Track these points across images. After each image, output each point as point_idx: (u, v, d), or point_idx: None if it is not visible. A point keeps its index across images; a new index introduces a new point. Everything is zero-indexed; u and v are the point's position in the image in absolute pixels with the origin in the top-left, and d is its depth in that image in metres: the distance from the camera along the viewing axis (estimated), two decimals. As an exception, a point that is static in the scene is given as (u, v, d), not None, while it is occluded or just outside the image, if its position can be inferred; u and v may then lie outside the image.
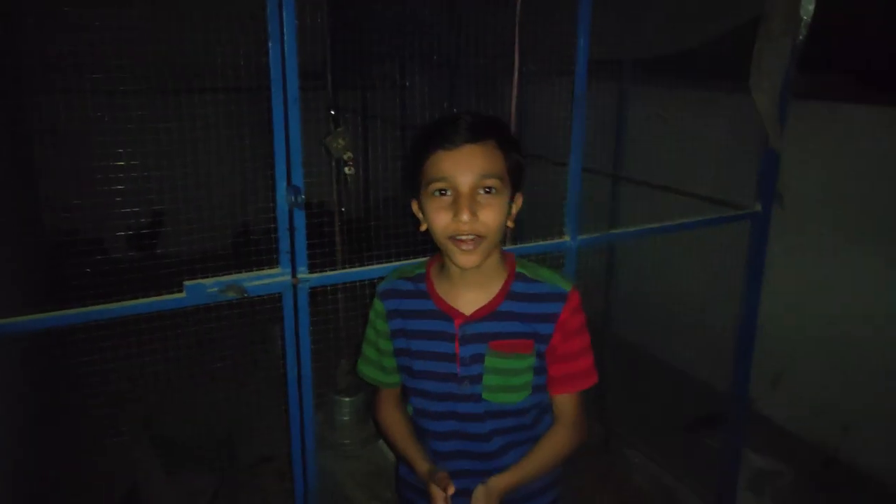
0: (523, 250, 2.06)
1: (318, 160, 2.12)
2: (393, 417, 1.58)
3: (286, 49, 1.57)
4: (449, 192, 1.32)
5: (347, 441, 2.99)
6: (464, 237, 1.32)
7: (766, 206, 2.51)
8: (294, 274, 1.74)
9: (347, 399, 3.00)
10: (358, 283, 1.98)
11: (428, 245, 2.01)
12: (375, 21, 3.39)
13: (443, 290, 1.46)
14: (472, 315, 1.42)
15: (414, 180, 1.40)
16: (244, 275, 1.70)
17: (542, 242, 2.10)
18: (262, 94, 1.67)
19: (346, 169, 2.01)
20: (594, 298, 3.60)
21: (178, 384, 3.38)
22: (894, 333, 2.98)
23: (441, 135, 1.33)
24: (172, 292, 1.64)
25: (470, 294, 1.43)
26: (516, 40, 2.37)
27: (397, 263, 1.93)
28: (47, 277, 3.68)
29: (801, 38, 2.27)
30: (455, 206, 1.31)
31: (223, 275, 1.70)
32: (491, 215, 1.32)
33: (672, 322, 3.44)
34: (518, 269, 1.46)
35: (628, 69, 3.40)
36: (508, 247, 2.06)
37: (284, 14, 1.55)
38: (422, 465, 1.47)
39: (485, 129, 1.34)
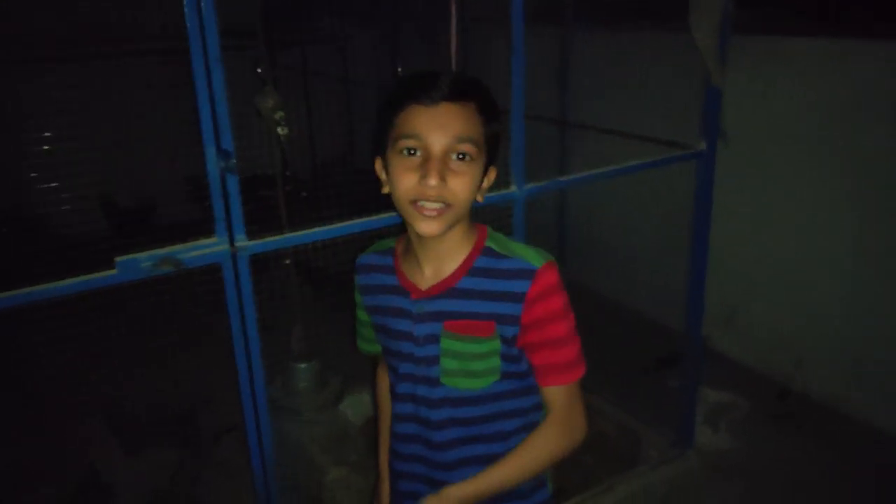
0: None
1: (248, 122, 2.04)
2: (381, 396, 1.56)
3: (203, 4, 1.48)
4: (418, 153, 1.18)
5: (306, 407, 2.97)
6: (428, 203, 1.19)
7: (711, 145, 2.51)
8: (232, 242, 1.68)
9: (303, 365, 2.97)
10: (311, 246, 1.93)
11: (378, 204, 1.97)
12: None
13: (406, 264, 1.35)
14: (426, 291, 1.30)
15: (382, 136, 1.26)
16: (179, 246, 1.63)
17: (487, 194, 2.06)
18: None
19: (279, 129, 1.93)
20: (548, 245, 3.60)
21: (131, 361, 3.31)
22: (843, 266, 3.04)
23: (419, 88, 1.19)
24: (102, 269, 1.56)
25: (429, 268, 1.31)
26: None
27: (343, 224, 1.88)
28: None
29: (739, -29, 2.24)
30: (424, 169, 1.17)
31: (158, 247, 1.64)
32: (461, 183, 1.19)
33: (627, 265, 3.46)
34: (487, 244, 1.31)
35: (569, 13, 3.34)
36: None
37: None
38: (381, 473, 1.54)
39: (467, 90, 1.21)
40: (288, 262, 2.75)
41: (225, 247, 1.67)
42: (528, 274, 1.25)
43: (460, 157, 1.19)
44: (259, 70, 2.14)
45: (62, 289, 1.55)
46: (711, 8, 2.24)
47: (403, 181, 1.19)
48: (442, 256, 1.29)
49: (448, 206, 1.19)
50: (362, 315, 1.47)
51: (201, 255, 1.65)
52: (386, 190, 1.27)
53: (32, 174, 2.41)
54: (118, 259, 1.58)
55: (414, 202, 1.19)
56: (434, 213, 1.19)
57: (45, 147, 2.28)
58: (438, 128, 1.17)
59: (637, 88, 3.07)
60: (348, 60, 4.32)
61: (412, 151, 1.19)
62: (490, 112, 1.24)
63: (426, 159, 1.17)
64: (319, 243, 1.94)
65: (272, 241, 1.75)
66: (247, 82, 2.41)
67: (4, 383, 3.25)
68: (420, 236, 1.25)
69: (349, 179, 2.64)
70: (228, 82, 1.57)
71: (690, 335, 2.77)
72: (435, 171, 1.16)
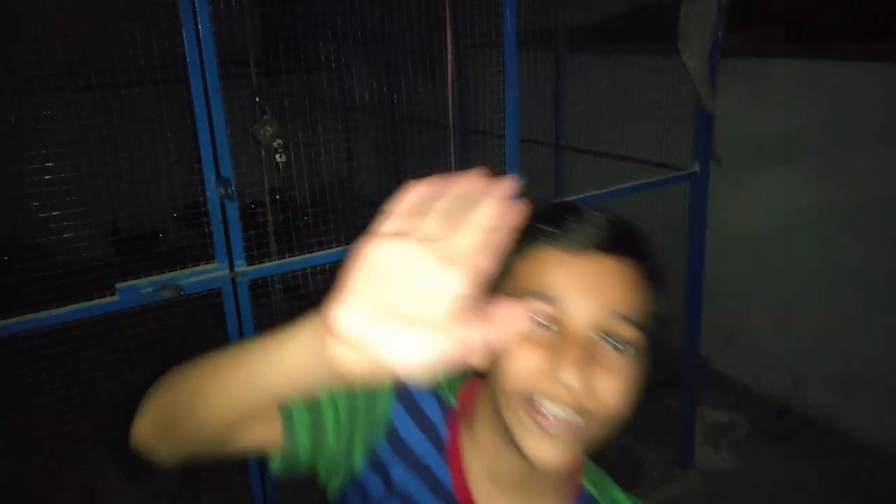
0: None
1: (247, 149, 2.08)
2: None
3: (202, 36, 1.52)
4: (554, 327, 0.73)
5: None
6: (554, 410, 0.72)
7: (704, 166, 2.54)
8: (231, 267, 1.71)
9: None
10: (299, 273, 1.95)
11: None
12: (307, 3, 3.33)
13: (470, 462, 0.86)
14: None
15: (490, 283, 0.77)
16: (179, 272, 1.66)
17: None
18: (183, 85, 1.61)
19: (278, 156, 1.97)
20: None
21: (131, 386, 3.31)
22: (841, 285, 3.06)
23: (557, 224, 0.76)
24: (104, 295, 1.59)
25: (503, 496, 0.85)
26: (447, 14, 2.35)
27: (341, 248, 1.89)
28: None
29: (726, -3, 2.29)
30: (559, 353, 0.71)
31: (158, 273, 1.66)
32: (614, 389, 0.73)
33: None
34: (584, 484, 0.91)
35: (563, 39, 3.40)
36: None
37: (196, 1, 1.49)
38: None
39: (627, 239, 0.78)
40: (280, 286, 2.76)
41: (225, 272, 1.69)
42: None
43: (617, 344, 0.75)
44: (257, 98, 2.18)
45: (64, 315, 1.58)
46: (700, 33, 2.29)
47: (521, 361, 0.73)
48: (532, 490, 0.85)
49: (586, 421, 0.74)
50: (343, 418, 0.86)
51: (201, 281, 1.68)
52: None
53: (35, 203, 2.45)
54: (119, 285, 1.60)
55: (530, 400, 0.73)
56: (559, 430, 0.72)
57: (47, 176, 2.32)
58: (588, 291, 0.74)
59: (630, 112, 3.11)
60: (347, 87, 4.37)
61: (540, 321, 0.74)
62: (657, 274, 0.81)
63: (565, 339, 0.72)
64: (318, 268, 1.96)
65: (271, 266, 1.78)
66: (245, 109, 2.45)
67: (4, 408, 3.25)
68: (523, 455, 0.75)
69: (349, 205, 2.67)
70: (227, 110, 1.61)
71: (689, 355, 2.78)
72: (577, 363, 0.71)
